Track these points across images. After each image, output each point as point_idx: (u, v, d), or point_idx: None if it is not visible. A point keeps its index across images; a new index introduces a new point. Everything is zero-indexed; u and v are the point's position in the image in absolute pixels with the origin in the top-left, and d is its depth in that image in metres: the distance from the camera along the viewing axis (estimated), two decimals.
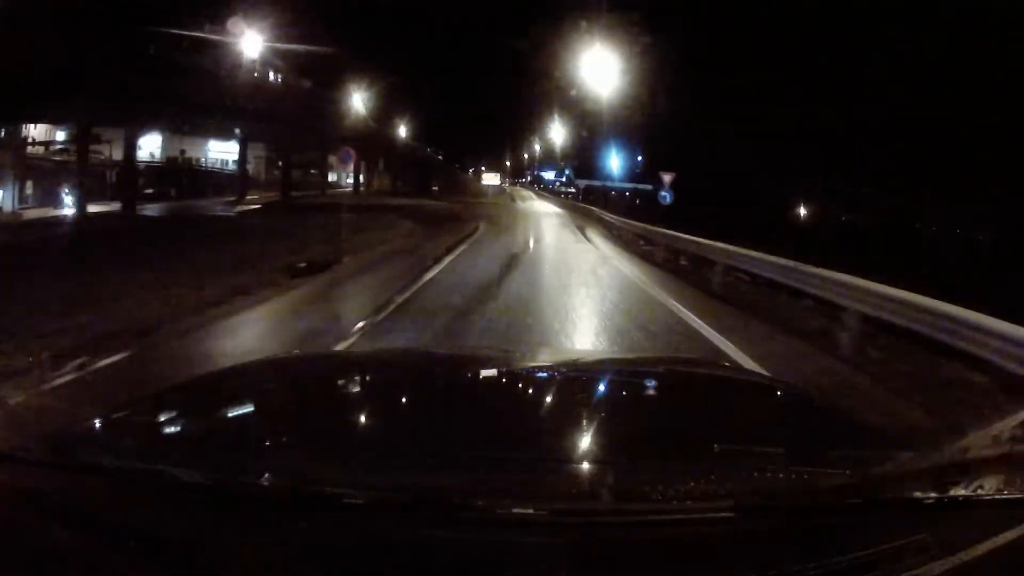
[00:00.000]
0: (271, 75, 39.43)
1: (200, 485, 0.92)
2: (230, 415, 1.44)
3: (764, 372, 4.06)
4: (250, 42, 28.15)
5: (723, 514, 0.88)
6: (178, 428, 1.33)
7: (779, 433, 1.38)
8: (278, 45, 29.63)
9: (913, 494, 0.93)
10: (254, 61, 28.57)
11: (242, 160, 34.06)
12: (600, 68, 29.32)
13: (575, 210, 40.33)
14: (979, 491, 0.92)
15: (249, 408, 1.50)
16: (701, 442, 1.23)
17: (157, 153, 37.93)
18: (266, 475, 0.93)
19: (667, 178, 18.74)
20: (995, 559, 0.82)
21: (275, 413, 1.42)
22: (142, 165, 32.59)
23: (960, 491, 0.91)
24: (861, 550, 0.82)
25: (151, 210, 25.20)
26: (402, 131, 59.06)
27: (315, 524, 0.85)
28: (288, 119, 31.59)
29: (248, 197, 32.44)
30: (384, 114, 51.52)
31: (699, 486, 0.93)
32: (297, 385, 1.71)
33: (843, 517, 0.90)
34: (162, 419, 1.35)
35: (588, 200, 46.24)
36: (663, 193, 18.62)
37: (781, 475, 1.02)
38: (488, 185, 67.50)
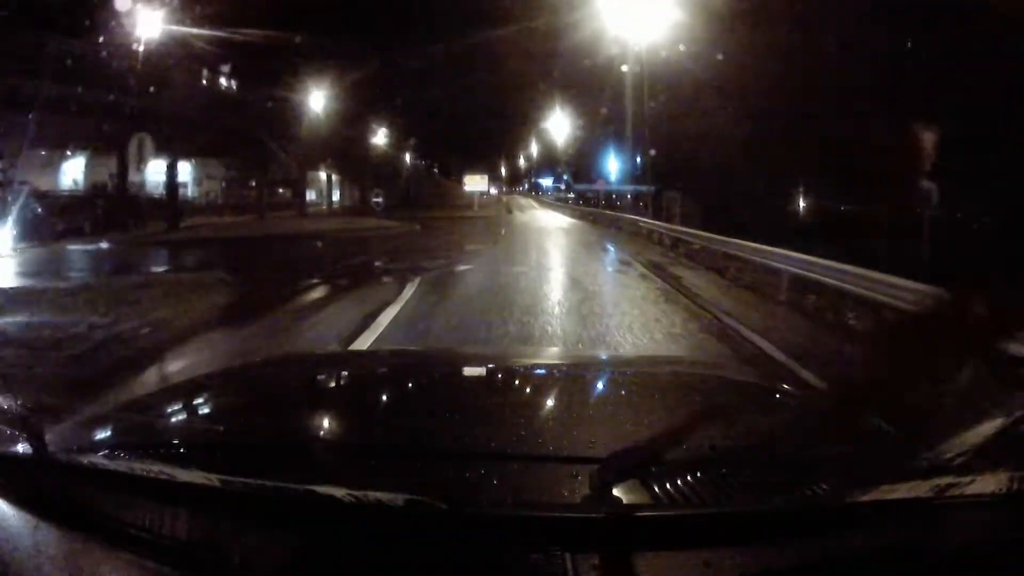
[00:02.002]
0: (222, 79, 32.37)
1: (200, 485, 0.92)
2: (229, 415, 1.42)
3: (766, 375, 3.18)
4: (143, 21, 21.53)
5: (719, 516, 0.89)
6: (178, 428, 1.33)
7: (778, 435, 1.38)
8: (188, 30, 22.36)
9: (911, 495, 0.93)
10: (150, 46, 21.31)
11: (121, 176, 25.96)
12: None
13: (611, 227, 26.91)
14: (976, 491, 0.91)
15: (249, 408, 1.47)
16: (700, 444, 1.19)
17: (81, 178, 32.18)
18: (266, 475, 0.92)
19: None
20: (992, 559, 0.84)
21: (275, 413, 1.40)
22: (62, 194, 27.76)
23: (956, 491, 0.91)
24: (859, 552, 0.84)
25: None
26: (381, 139, 51.57)
27: (314, 524, 0.86)
28: (197, 121, 24.37)
29: (150, 228, 24.83)
30: (357, 120, 44.18)
31: (698, 488, 0.94)
32: (297, 385, 1.72)
33: (841, 519, 0.91)
34: (162, 419, 1.35)
35: (611, 206, 36.37)
36: None
37: (779, 477, 1.03)
38: (474, 192, 53.96)
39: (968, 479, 0.90)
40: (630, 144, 29.29)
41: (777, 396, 1.79)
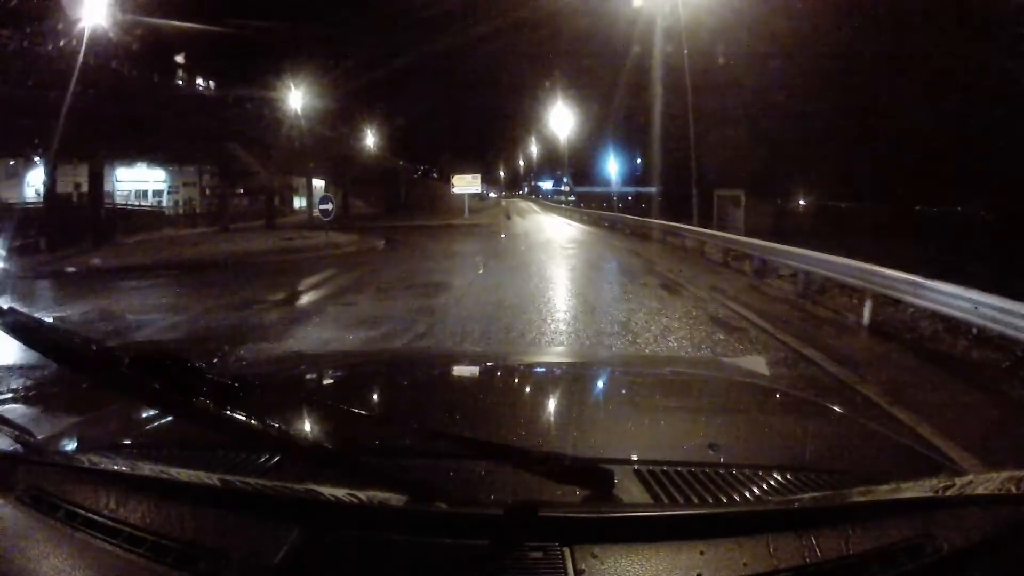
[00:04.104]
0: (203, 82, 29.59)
1: (200, 485, 0.94)
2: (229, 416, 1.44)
3: (766, 376, 3.02)
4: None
5: (718, 515, 0.91)
6: (178, 428, 1.29)
7: (778, 435, 1.40)
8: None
9: (911, 495, 0.94)
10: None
11: (51, 183, 21.98)
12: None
13: (634, 236, 21.46)
14: (976, 491, 0.93)
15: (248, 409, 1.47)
16: (700, 444, 1.22)
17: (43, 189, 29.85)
18: (266, 475, 0.95)
19: None
20: (990, 559, 0.86)
21: (273, 412, 1.34)
22: (25, 206, 26.60)
23: (956, 491, 0.92)
24: (857, 552, 0.86)
25: None
26: (371, 142, 48.43)
27: (314, 524, 0.87)
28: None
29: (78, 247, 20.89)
30: (341, 123, 41.09)
31: (698, 487, 0.96)
32: (296, 384, 1.74)
33: (839, 518, 0.91)
34: (162, 419, 1.35)
35: (615, 209, 33.49)
36: None
37: (778, 477, 1.04)
38: (464, 194, 44.50)
39: (968, 479, 0.92)
40: (658, 136, 25.35)
41: (777, 396, 1.81)
